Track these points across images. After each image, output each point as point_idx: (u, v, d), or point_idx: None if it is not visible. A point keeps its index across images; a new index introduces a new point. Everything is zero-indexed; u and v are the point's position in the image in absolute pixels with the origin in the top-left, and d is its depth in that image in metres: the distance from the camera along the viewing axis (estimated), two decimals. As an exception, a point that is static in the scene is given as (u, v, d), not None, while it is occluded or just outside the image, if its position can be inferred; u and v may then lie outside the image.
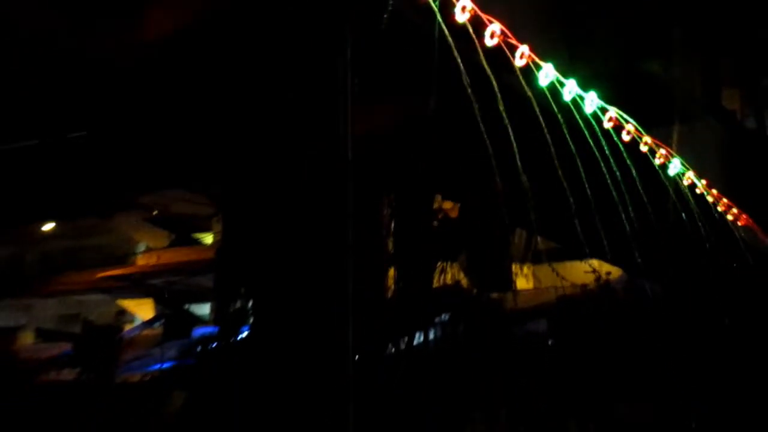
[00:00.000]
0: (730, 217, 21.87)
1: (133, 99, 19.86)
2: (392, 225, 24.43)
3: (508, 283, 26.54)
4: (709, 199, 20.82)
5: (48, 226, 48.83)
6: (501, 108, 13.97)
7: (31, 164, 35.86)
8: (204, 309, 40.69)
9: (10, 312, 48.56)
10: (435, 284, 24.04)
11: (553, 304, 24.35)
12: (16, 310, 49.06)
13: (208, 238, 45.23)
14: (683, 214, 19.63)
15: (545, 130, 14.99)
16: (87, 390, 31.63)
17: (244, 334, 27.92)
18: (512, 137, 14.59)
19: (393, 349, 23.20)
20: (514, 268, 27.51)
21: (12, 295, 47.20)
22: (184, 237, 47.51)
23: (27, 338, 49.42)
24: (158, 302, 44.43)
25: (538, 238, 27.81)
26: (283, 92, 17.33)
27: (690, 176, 19.76)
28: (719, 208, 21.26)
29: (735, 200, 22.56)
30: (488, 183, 18.74)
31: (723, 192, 21.84)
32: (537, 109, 14.61)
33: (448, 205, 24.30)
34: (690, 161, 19.87)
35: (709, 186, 20.81)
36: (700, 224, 20.07)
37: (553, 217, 18.21)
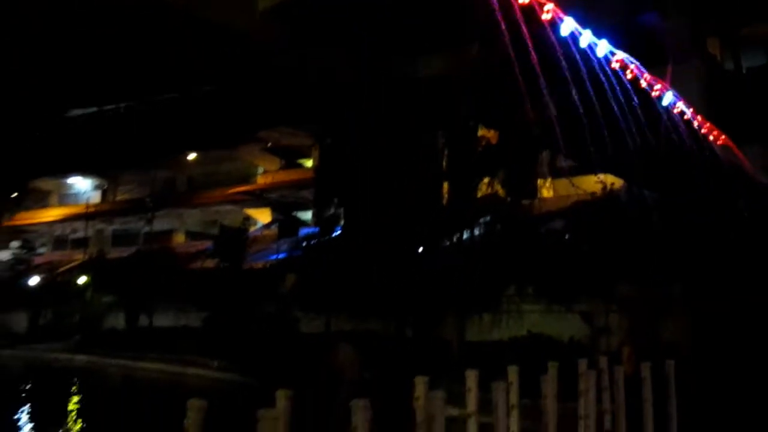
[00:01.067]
0: (711, 138, 20.99)
1: (252, 61, 19.76)
2: (446, 150, 24.09)
3: (534, 192, 26.11)
4: (695, 124, 19.96)
5: (192, 156, 49.57)
6: (532, 53, 13.55)
7: (179, 110, 36.29)
8: (307, 215, 41.23)
9: (168, 219, 49.80)
10: (478, 194, 23.73)
11: (569, 208, 23.97)
12: (172, 218, 50.27)
13: (309, 163, 45.44)
14: (674, 136, 18.94)
15: (566, 70, 14.47)
16: (223, 274, 32.48)
17: (337, 233, 28.26)
18: (540, 77, 14.14)
19: (447, 243, 23.11)
20: (539, 181, 27.05)
21: (169, 207, 48.32)
22: (291, 162, 47.83)
23: (180, 238, 50.81)
24: (273, 210, 45.19)
25: (559, 157, 27.17)
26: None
27: (680, 105, 18.95)
28: (703, 131, 20.38)
29: (716, 125, 21.65)
30: (520, 115, 18.33)
31: (706, 118, 20.94)
32: (560, 54, 14.11)
33: (490, 133, 23.78)
34: (680, 94, 19.07)
35: (695, 113, 19.94)
36: (688, 144, 19.35)
37: (571, 140, 17.67)
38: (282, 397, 6.45)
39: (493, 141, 23.80)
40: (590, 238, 19.58)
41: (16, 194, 50.75)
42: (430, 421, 6.79)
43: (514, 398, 8.49)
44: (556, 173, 28.29)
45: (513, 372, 8.66)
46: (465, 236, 23.21)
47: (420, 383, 8.07)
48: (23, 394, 23.28)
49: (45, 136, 40.08)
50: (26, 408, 20.48)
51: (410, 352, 21.28)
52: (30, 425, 18.37)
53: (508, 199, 23.73)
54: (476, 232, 23.18)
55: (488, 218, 23.85)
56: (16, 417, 19.18)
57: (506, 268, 21.30)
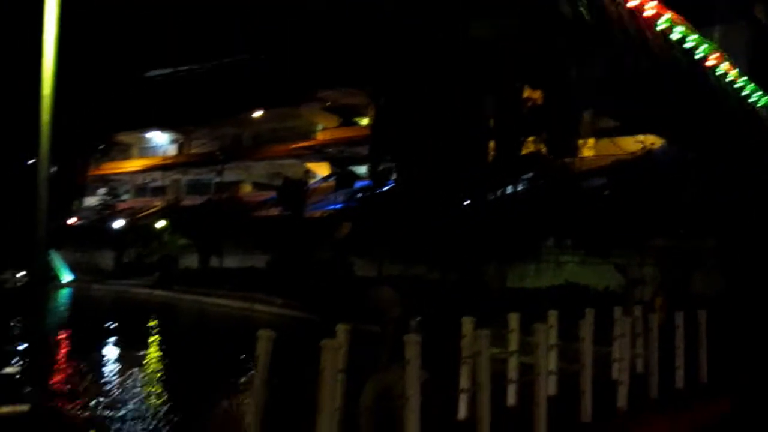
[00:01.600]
0: (755, 98, 19.96)
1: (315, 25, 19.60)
2: (493, 110, 23.72)
3: (576, 151, 25.53)
4: (738, 83, 19.00)
5: (258, 113, 49.93)
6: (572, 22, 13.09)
7: (247, 71, 36.30)
8: (362, 169, 41.27)
9: (235, 171, 50.55)
10: (523, 152, 23.38)
11: (609, 166, 23.37)
12: (239, 170, 50.99)
13: (364, 121, 45.31)
14: (716, 96, 18.11)
15: (613, 31, 13.92)
16: (285, 221, 32.96)
17: (389, 186, 28.29)
18: (585, 38, 13.66)
19: (493, 196, 22.94)
20: (581, 141, 26.38)
21: (237, 160, 49.01)
22: (348, 120, 47.77)
23: (246, 188, 51.63)
24: (331, 164, 45.34)
25: (601, 118, 26.40)
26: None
27: (724, 66, 18.02)
28: (745, 91, 19.41)
29: (759, 85, 20.57)
30: (564, 76, 17.80)
31: (750, 78, 19.90)
32: (607, 13, 13.55)
33: (535, 94, 23.24)
34: (726, 55, 18.10)
35: (739, 73, 18.96)
36: (729, 104, 18.50)
37: (612, 101, 17.12)
38: (342, 331, 6.64)
39: (539, 102, 23.30)
40: (628, 195, 19.09)
41: (102, 146, 52.14)
42: (476, 357, 6.85)
43: (553, 339, 8.52)
44: (597, 134, 27.57)
45: (553, 316, 8.70)
46: (509, 191, 22.97)
47: (467, 323, 8.13)
48: (113, 323, 24.36)
49: (127, 94, 40.83)
50: (115, 335, 21.48)
51: (454, 296, 21.40)
52: (118, 349, 19.26)
53: (551, 157, 23.33)
54: (520, 187, 22.90)
55: (531, 174, 23.52)
56: (107, 342, 20.16)
57: (547, 221, 21.05)
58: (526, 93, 23.09)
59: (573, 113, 22.93)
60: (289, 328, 22.78)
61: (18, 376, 9.42)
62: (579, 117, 24.02)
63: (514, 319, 8.31)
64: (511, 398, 7.97)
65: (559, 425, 7.12)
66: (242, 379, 13.92)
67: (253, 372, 5.72)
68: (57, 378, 13.70)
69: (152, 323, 25.35)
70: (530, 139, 23.87)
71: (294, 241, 29.71)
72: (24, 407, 5.86)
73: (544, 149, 23.78)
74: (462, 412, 7.69)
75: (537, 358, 7.05)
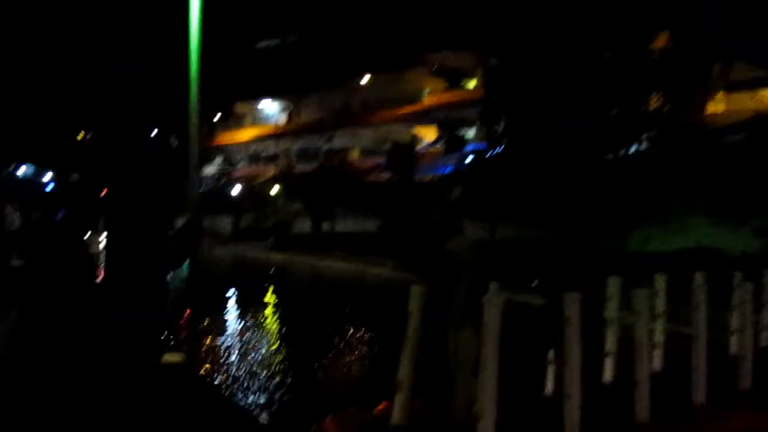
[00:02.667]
0: None
1: None
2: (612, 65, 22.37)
3: (705, 107, 23.72)
4: None
5: (365, 80, 50.16)
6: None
7: (353, 38, 36.16)
8: (470, 132, 40.58)
9: (344, 138, 51.17)
10: (647, 108, 21.98)
11: (746, 122, 21.47)
12: (347, 136, 51.53)
13: (471, 83, 44.39)
14: None
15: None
16: (395, 185, 33.08)
17: (499, 150, 27.58)
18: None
19: (614, 156, 21.80)
20: (711, 95, 24.43)
21: (345, 127, 49.57)
22: (455, 83, 46.94)
23: (355, 154, 52.13)
24: (439, 128, 44.86)
25: (734, 70, 24.27)
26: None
27: None
28: None
29: None
30: (695, 24, 16.42)
31: None
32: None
33: (659, 43, 21.67)
34: None
35: None
36: None
37: (753, 48, 15.58)
38: (494, 290, 6.47)
39: (664, 53, 21.73)
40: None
41: (218, 116, 54.39)
42: (622, 320, 6.45)
43: (661, 305, 7.95)
44: (729, 87, 25.40)
45: (661, 280, 8.11)
46: (631, 149, 21.73)
47: (613, 283, 7.68)
48: (233, 284, 25.50)
49: (240, 65, 42.13)
50: (240, 295, 22.47)
51: (569, 260, 20.63)
52: (239, 308, 20.11)
53: (678, 112, 21.79)
54: (644, 146, 21.58)
55: (656, 132, 22.09)
56: (230, 301, 21.14)
57: (674, 181, 19.71)
58: (654, 43, 21.56)
59: (702, 65, 21.19)
60: (402, 290, 22.96)
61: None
62: (708, 69, 22.17)
63: (613, 284, 7.69)
64: (608, 373, 7.36)
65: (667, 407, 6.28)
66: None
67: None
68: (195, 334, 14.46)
69: (271, 284, 26.35)
70: (654, 95, 22.41)
71: (404, 205, 29.71)
72: (179, 356, 6.10)
73: (669, 106, 22.26)
74: (608, 374, 7.31)
75: (637, 329, 6.30)
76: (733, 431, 6.19)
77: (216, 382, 9.85)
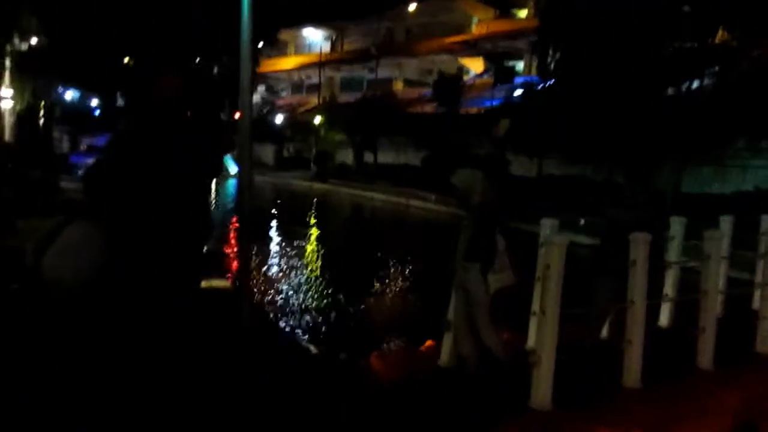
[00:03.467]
0: None
1: None
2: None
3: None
4: None
5: (411, 7, 48.54)
6: None
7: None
8: (520, 65, 39.21)
9: (388, 68, 50.10)
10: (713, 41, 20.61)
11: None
12: (391, 67, 50.47)
13: (522, 13, 42.54)
14: None
15: None
16: (440, 117, 32.33)
17: (553, 81, 26.45)
18: None
19: (673, 91, 20.68)
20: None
21: (389, 56, 48.42)
22: (505, 12, 45.06)
23: (398, 85, 51.15)
24: (486, 60, 43.48)
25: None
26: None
27: None
28: None
29: None
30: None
31: None
32: None
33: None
34: None
35: None
36: None
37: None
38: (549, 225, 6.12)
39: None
40: None
41: (261, 44, 53.74)
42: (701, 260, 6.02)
43: (724, 251, 7.41)
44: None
45: (727, 222, 7.54)
46: (694, 84, 20.56)
47: (676, 223, 7.24)
48: (277, 211, 25.65)
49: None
50: (279, 224, 22.58)
51: (620, 198, 19.96)
52: (282, 238, 20.11)
53: (745, 47, 20.37)
54: (706, 81, 20.36)
55: (719, 67, 20.77)
56: (273, 230, 21.22)
57: (736, 118, 18.63)
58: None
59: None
60: (445, 223, 22.75)
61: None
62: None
63: (677, 225, 7.19)
64: (666, 318, 6.97)
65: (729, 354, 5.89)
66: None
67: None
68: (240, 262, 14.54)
69: (315, 214, 26.41)
70: (720, 27, 20.95)
71: (449, 137, 29.10)
72: (227, 283, 5.97)
73: (735, 39, 20.82)
74: (664, 320, 6.96)
75: (706, 272, 5.87)
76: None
77: (264, 309, 9.88)
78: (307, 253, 17.30)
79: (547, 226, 6.06)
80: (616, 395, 4.98)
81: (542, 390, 4.52)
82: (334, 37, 58.92)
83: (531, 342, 5.59)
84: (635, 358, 5.11)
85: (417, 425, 4.36)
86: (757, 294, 7.19)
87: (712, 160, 20.02)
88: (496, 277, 4.82)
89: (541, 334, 4.52)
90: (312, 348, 5.42)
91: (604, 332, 6.34)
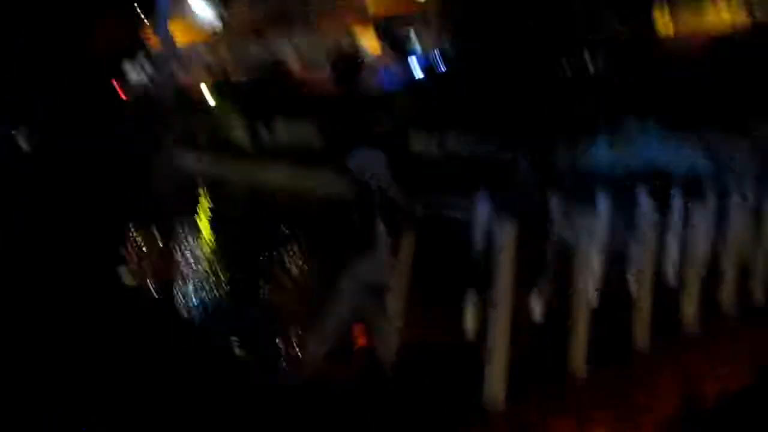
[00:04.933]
0: None
1: None
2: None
3: (661, 21, 23.22)
4: None
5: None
6: None
7: None
8: (418, 43, 39.01)
9: (281, 45, 48.54)
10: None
11: (703, 37, 21.10)
12: (285, 43, 48.95)
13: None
14: None
15: None
16: (339, 96, 31.61)
17: (449, 60, 26.42)
18: None
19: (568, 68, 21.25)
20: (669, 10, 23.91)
21: (282, 32, 46.89)
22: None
23: (294, 63, 49.59)
24: (385, 36, 42.85)
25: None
26: None
27: None
28: None
29: None
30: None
31: None
32: None
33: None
34: None
35: None
36: None
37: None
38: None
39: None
40: (729, 70, 17.17)
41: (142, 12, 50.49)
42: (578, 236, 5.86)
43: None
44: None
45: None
46: (586, 62, 21.18)
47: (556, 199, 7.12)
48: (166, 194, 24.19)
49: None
50: (170, 206, 21.24)
51: (522, 175, 20.32)
52: (172, 221, 18.83)
53: (634, 27, 21.22)
54: (599, 59, 21.02)
55: (611, 46, 21.53)
56: (163, 212, 19.89)
57: (628, 95, 19.37)
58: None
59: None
60: (348, 206, 22.24)
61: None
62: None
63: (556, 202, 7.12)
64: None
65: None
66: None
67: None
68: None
69: (207, 197, 25.18)
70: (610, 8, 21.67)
71: (349, 115, 28.53)
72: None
73: (625, 19, 21.66)
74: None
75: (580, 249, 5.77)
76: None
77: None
78: (199, 240, 16.35)
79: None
80: (564, 383, 4.74)
81: (496, 388, 4.16)
82: (224, 12, 56.39)
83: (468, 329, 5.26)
84: (580, 346, 4.88)
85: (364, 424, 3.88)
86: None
87: (605, 138, 20.74)
88: (368, 269, 4.28)
89: (493, 329, 4.15)
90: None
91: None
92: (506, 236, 4.06)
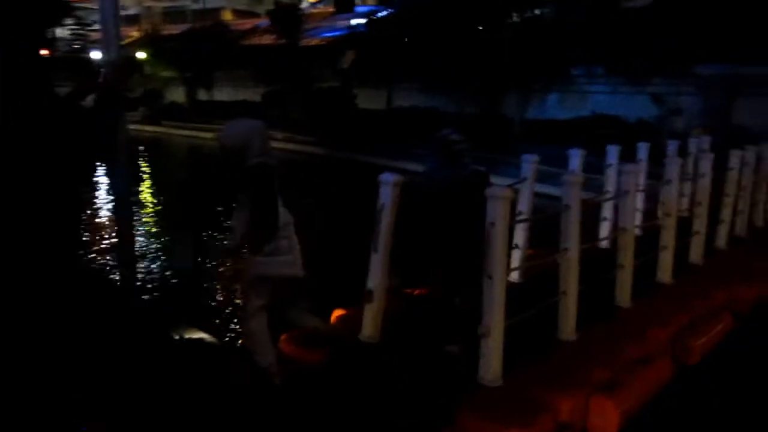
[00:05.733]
0: None
1: None
2: None
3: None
4: None
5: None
6: None
7: None
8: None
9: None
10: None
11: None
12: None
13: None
14: None
15: None
16: (279, 49, 30.38)
17: (392, 11, 25.60)
18: None
19: (515, 18, 20.87)
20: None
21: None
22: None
23: (227, 15, 47.53)
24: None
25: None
26: None
27: None
28: None
29: None
30: None
31: None
32: None
33: None
34: None
35: None
36: None
37: None
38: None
39: None
40: (676, 13, 17.13)
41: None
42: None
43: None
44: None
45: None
46: (534, 12, 20.87)
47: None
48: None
49: None
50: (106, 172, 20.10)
51: (472, 126, 20.10)
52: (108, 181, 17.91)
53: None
54: (548, 8, 20.71)
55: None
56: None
57: (574, 44, 19.20)
58: None
59: None
60: (301, 163, 21.69)
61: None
62: None
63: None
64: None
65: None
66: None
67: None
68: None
69: (145, 161, 24.03)
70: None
71: (291, 70, 27.54)
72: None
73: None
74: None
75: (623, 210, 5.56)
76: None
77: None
78: (143, 206, 15.54)
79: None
80: (556, 352, 4.53)
81: (493, 364, 3.90)
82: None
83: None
84: (571, 309, 4.67)
85: (359, 415, 3.58)
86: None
87: (555, 87, 20.65)
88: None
89: (489, 302, 3.86)
90: (206, 337, 4.36)
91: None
92: (502, 204, 3.74)
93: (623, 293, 5.45)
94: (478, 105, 21.23)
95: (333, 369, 4.08)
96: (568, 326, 4.69)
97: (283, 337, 4.43)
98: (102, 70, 3.17)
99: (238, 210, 3.75)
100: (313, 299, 4.24)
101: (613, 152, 7.26)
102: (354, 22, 29.12)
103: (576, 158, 6.53)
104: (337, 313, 5.13)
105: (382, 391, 3.81)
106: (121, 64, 3.43)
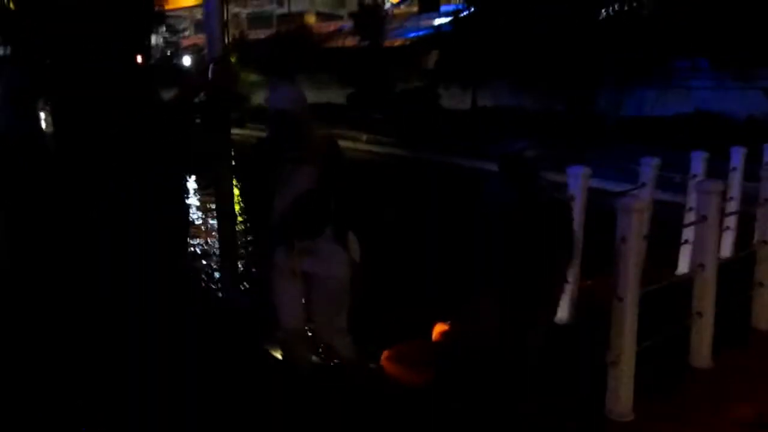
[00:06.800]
0: None
1: None
2: None
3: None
4: None
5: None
6: None
7: None
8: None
9: (297, 1, 47.22)
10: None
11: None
12: (301, 0, 47.61)
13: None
14: None
15: None
16: (363, 52, 30.43)
17: (481, 7, 25.00)
18: None
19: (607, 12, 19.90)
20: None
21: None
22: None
23: (310, 19, 48.27)
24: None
25: None
26: None
27: None
28: None
29: None
30: None
31: None
32: None
33: None
34: None
35: None
36: None
37: None
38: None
39: None
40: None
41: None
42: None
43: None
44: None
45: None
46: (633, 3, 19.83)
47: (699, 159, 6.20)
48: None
49: None
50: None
51: (561, 126, 19.27)
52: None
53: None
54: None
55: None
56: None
57: (676, 39, 18.04)
58: None
59: None
60: (382, 164, 21.55)
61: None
62: None
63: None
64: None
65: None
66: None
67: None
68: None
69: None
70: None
71: (374, 72, 27.47)
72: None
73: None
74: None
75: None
76: None
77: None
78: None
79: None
80: (692, 382, 4.04)
81: (623, 396, 3.47)
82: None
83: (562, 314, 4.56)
84: (707, 333, 4.16)
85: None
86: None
87: (654, 82, 19.53)
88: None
89: (619, 326, 3.44)
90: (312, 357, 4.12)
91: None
92: (636, 217, 3.30)
93: (763, 313, 4.85)
94: (568, 103, 20.38)
95: (441, 393, 3.76)
96: (702, 352, 4.17)
97: (385, 354, 4.16)
98: (211, 67, 3.01)
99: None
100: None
101: (737, 154, 6.56)
102: (438, 21, 28.76)
103: (699, 161, 5.91)
104: (439, 328, 4.80)
105: (503, 419, 3.45)
106: (228, 62, 3.25)
